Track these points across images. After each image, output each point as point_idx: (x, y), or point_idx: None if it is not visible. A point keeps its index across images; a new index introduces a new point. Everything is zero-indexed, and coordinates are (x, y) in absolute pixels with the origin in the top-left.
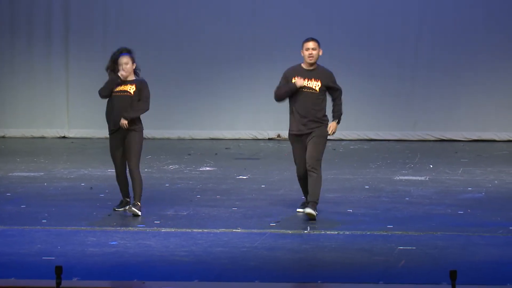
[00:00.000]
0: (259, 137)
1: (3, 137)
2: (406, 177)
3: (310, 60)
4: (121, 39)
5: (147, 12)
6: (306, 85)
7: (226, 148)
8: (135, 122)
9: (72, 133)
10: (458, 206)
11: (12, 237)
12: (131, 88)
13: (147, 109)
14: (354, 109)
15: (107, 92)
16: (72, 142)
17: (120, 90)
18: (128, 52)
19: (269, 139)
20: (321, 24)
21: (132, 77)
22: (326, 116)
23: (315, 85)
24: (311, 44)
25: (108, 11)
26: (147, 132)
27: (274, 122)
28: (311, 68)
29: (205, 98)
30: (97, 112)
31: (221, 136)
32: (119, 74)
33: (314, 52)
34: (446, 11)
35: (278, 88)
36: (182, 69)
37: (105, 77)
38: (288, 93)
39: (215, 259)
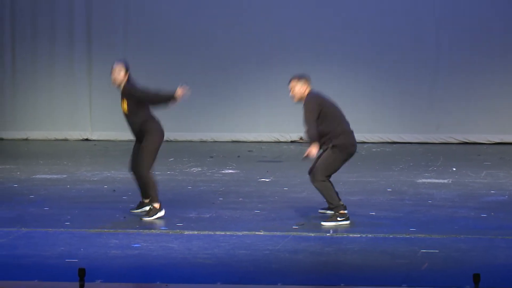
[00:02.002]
0: (281, 140)
1: (26, 139)
2: (429, 180)
3: (293, 101)
4: (142, 41)
5: (169, 14)
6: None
7: (249, 151)
8: (146, 124)
9: (95, 135)
10: (481, 209)
11: (35, 239)
12: (124, 104)
13: (151, 96)
14: (376, 112)
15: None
16: (95, 145)
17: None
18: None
19: (291, 141)
20: (341, 27)
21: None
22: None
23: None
24: (289, 85)
25: (129, 14)
26: (169, 135)
27: (296, 125)
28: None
29: (227, 100)
30: (119, 115)
31: (243, 139)
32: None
33: (293, 93)
34: (466, 13)
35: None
36: (204, 72)
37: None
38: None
39: (238, 262)
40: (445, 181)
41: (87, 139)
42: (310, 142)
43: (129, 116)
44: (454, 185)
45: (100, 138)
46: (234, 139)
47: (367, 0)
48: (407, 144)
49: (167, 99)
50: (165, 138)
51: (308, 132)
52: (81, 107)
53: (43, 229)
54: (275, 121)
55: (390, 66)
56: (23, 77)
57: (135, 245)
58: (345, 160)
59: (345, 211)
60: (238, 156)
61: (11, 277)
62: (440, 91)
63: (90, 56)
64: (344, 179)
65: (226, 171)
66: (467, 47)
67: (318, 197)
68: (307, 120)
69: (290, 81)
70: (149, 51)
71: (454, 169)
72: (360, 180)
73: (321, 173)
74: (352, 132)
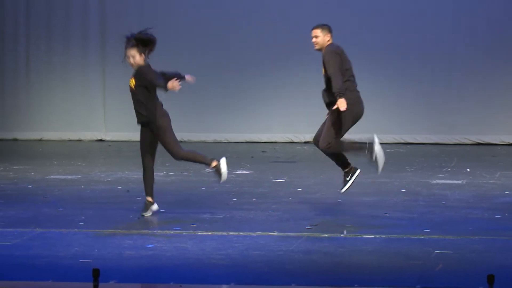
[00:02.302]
0: (295, 140)
1: (41, 140)
2: (443, 181)
3: (315, 47)
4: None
5: (183, 14)
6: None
7: (262, 152)
8: (153, 112)
9: (109, 136)
10: (495, 210)
11: (49, 240)
12: (131, 82)
13: (154, 79)
14: (390, 113)
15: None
16: (109, 145)
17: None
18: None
19: (305, 142)
20: (355, 27)
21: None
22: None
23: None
24: (312, 33)
25: (143, 13)
26: (183, 135)
27: (309, 125)
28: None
29: (241, 101)
30: (134, 115)
31: (257, 139)
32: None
33: (317, 40)
34: (482, 14)
35: None
36: (217, 72)
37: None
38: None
39: (252, 263)
40: (459, 182)
41: (101, 140)
42: (338, 94)
43: (140, 105)
44: (468, 186)
45: (114, 138)
46: (248, 139)
47: (382, 1)
48: (421, 145)
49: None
50: (179, 139)
51: (336, 84)
52: (95, 107)
53: (57, 229)
54: (289, 121)
55: (404, 66)
56: (37, 77)
57: (149, 246)
58: (354, 122)
59: (350, 166)
60: (252, 157)
61: (25, 278)
62: (454, 92)
63: (104, 56)
64: (358, 180)
65: (240, 172)
66: (483, 48)
67: (332, 198)
68: (333, 73)
69: (313, 28)
70: (163, 52)
71: (468, 170)
72: (374, 181)
73: (329, 140)
74: (359, 92)
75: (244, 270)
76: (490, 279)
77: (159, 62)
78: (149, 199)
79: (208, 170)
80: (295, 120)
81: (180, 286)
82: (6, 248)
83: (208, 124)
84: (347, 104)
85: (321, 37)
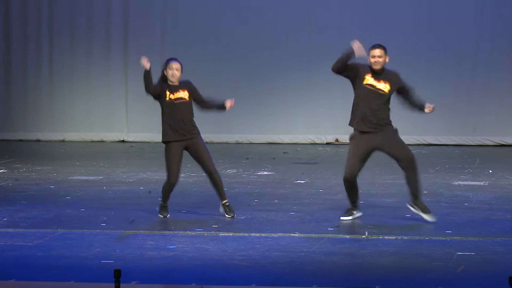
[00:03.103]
0: (317, 142)
1: (63, 141)
2: (465, 182)
3: (376, 66)
4: (178, 42)
5: (204, 15)
6: (374, 86)
7: (284, 153)
8: (195, 126)
9: (131, 137)
10: None
11: (71, 240)
12: (184, 94)
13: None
14: (412, 114)
15: (146, 85)
16: (131, 146)
17: (176, 97)
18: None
19: (327, 143)
20: (378, 28)
21: (177, 82)
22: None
23: (384, 87)
24: (377, 52)
25: (166, 14)
26: (205, 136)
27: (332, 126)
28: (379, 71)
29: (263, 102)
30: (156, 116)
31: (279, 141)
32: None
33: (380, 60)
34: (505, 15)
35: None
36: (238, 73)
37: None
38: (344, 57)
39: (273, 264)
40: (482, 183)
41: (123, 141)
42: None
43: (187, 116)
44: (490, 188)
45: (136, 139)
46: (269, 141)
47: (404, 1)
48: (443, 146)
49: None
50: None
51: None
52: (117, 108)
53: (79, 230)
54: (311, 122)
55: (427, 67)
56: (60, 78)
57: (170, 247)
58: None
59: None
60: (274, 158)
61: (47, 278)
62: (476, 93)
63: (126, 57)
64: (380, 181)
65: (262, 173)
66: (505, 49)
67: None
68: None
69: (378, 47)
70: (186, 53)
71: (491, 171)
72: (396, 182)
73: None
74: None
75: (265, 271)
76: None
77: (182, 63)
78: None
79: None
80: (317, 121)
81: (202, 287)
82: (28, 249)
83: (230, 125)
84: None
85: (384, 58)
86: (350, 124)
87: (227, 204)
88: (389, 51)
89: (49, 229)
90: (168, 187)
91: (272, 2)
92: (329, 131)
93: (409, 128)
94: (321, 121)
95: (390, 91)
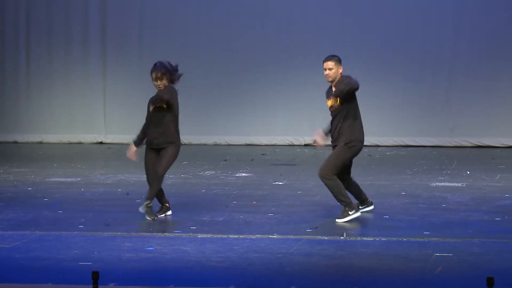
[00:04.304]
0: (295, 143)
1: (41, 142)
2: (442, 184)
3: (327, 79)
4: (157, 44)
5: (183, 17)
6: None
7: (262, 154)
8: (171, 138)
9: (109, 138)
10: (495, 212)
11: (49, 242)
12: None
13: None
14: (390, 115)
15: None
16: (109, 148)
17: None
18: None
19: (305, 145)
20: (357, 30)
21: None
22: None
23: (333, 101)
24: (326, 65)
25: (144, 16)
26: (183, 138)
27: (310, 128)
28: (334, 84)
29: (241, 103)
30: (134, 118)
31: (257, 142)
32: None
33: (331, 72)
34: (482, 16)
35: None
36: (217, 74)
37: (141, 82)
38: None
39: (251, 265)
40: (459, 184)
41: (101, 142)
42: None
43: (161, 126)
44: (468, 189)
45: (114, 141)
46: (248, 142)
47: (382, 3)
48: (421, 148)
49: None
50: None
51: (353, 84)
52: (96, 110)
53: (57, 232)
54: (289, 124)
55: (405, 69)
56: (37, 80)
57: (149, 248)
58: (354, 156)
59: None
60: (252, 160)
61: (25, 280)
62: (454, 94)
63: (104, 59)
64: (358, 182)
65: (240, 175)
66: (483, 51)
67: (332, 201)
68: (352, 82)
69: (327, 59)
70: (164, 55)
71: (468, 172)
72: (374, 183)
73: (331, 170)
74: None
75: (243, 272)
76: (490, 281)
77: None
78: (166, 204)
79: (169, 209)
80: (296, 123)
81: None
82: (6, 251)
83: (209, 126)
84: (356, 142)
85: (335, 69)
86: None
87: (150, 205)
88: (367, 53)
89: (27, 231)
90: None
91: (252, 4)
92: (308, 133)
93: (386, 129)
94: (300, 122)
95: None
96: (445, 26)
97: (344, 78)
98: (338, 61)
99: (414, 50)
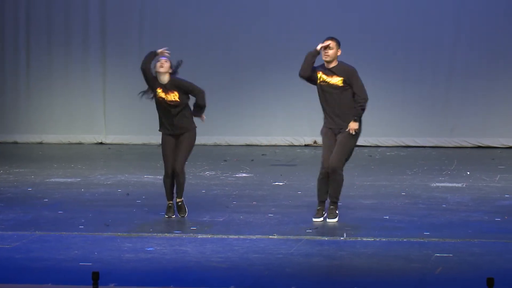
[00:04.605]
0: (295, 144)
1: (41, 143)
2: (442, 184)
3: (326, 58)
4: (157, 44)
5: (183, 17)
6: (328, 81)
7: (262, 155)
8: (188, 122)
9: (109, 139)
10: (495, 213)
11: (49, 243)
12: (174, 96)
13: (202, 90)
14: (390, 116)
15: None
16: (109, 148)
17: (168, 100)
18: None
19: (305, 145)
20: (357, 30)
21: (166, 79)
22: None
23: (337, 80)
24: (328, 43)
25: (144, 16)
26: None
27: (310, 128)
28: (331, 66)
29: (241, 104)
30: (134, 118)
31: (257, 142)
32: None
33: (330, 52)
34: (482, 16)
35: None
36: (217, 75)
37: (141, 82)
38: (308, 59)
39: (251, 266)
40: (459, 185)
41: (101, 143)
42: (361, 112)
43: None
44: (468, 189)
45: (114, 141)
46: (248, 142)
47: (382, 3)
48: (421, 148)
49: None
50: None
51: (366, 101)
52: (96, 110)
53: (57, 232)
54: (289, 124)
55: (404, 69)
56: (37, 80)
57: (149, 249)
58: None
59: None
60: (252, 160)
61: (25, 281)
62: (454, 95)
63: (104, 59)
64: (358, 183)
65: (240, 175)
66: (483, 51)
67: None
68: (363, 89)
69: (330, 38)
70: None
71: (468, 173)
72: (374, 184)
73: (343, 163)
74: None
75: (243, 273)
76: (490, 282)
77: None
78: (171, 202)
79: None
80: (296, 123)
81: None
82: (6, 251)
83: (208, 127)
84: (360, 129)
85: (335, 50)
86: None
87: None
88: (367, 53)
89: (27, 232)
90: (164, 180)
91: (252, 4)
92: (307, 133)
93: (386, 129)
94: (299, 123)
95: (344, 83)
96: (445, 26)
97: (344, 66)
98: (339, 43)
99: (414, 50)
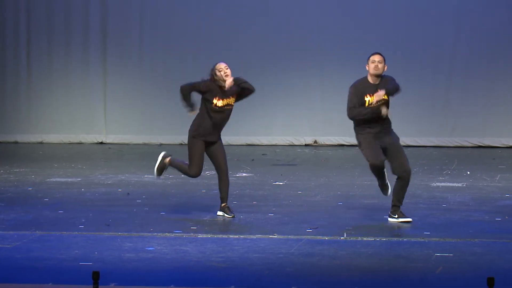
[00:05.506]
0: (296, 143)
1: (41, 143)
2: (443, 184)
3: (376, 71)
4: (157, 44)
5: (183, 17)
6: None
7: (263, 154)
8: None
9: (109, 138)
10: (495, 212)
11: (49, 242)
12: (231, 100)
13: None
14: (391, 115)
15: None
16: (110, 148)
17: (224, 105)
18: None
19: (305, 145)
20: (357, 30)
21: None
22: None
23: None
24: (377, 57)
25: (144, 16)
26: (184, 138)
27: (310, 128)
28: (377, 82)
29: (241, 103)
30: (134, 118)
31: (257, 142)
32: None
33: (380, 66)
34: (482, 16)
35: (357, 110)
36: None
37: (141, 82)
38: (369, 114)
39: (252, 265)
40: (460, 184)
41: (101, 142)
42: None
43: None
44: (468, 189)
45: (115, 141)
46: (248, 142)
47: (382, 3)
48: (421, 148)
49: None
50: (179, 141)
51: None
52: (96, 110)
53: (57, 232)
54: (290, 124)
55: (404, 69)
56: (38, 80)
57: (149, 249)
58: None
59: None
60: (252, 160)
61: (26, 280)
62: (454, 95)
63: (105, 59)
64: (358, 183)
65: (240, 175)
66: (483, 51)
67: (332, 201)
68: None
69: (378, 53)
70: (164, 55)
71: (469, 172)
72: (374, 183)
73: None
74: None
75: (244, 273)
76: (490, 282)
77: (161, 65)
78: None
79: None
80: (296, 123)
81: None
82: (6, 251)
83: None
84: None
85: (383, 64)
86: None
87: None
88: (367, 53)
89: (27, 231)
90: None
91: (252, 4)
92: (308, 133)
93: None
94: (300, 122)
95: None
96: (445, 26)
97: (389, 78)
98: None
99: (414, 50)
